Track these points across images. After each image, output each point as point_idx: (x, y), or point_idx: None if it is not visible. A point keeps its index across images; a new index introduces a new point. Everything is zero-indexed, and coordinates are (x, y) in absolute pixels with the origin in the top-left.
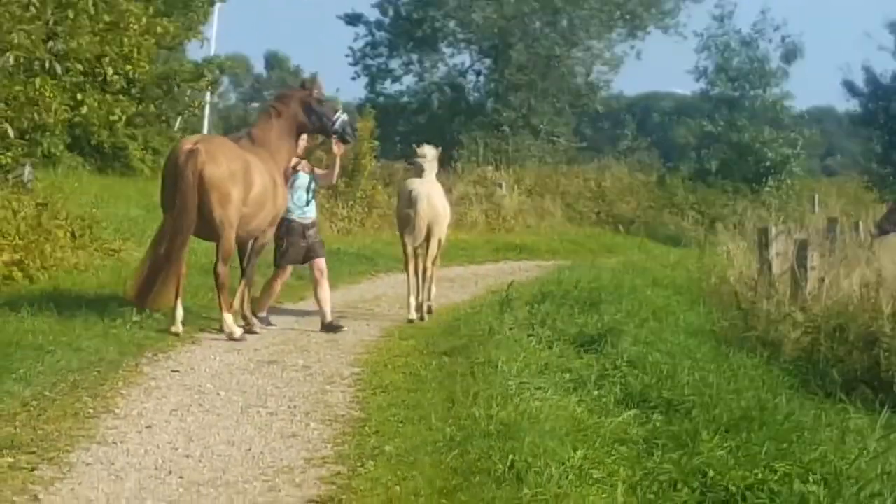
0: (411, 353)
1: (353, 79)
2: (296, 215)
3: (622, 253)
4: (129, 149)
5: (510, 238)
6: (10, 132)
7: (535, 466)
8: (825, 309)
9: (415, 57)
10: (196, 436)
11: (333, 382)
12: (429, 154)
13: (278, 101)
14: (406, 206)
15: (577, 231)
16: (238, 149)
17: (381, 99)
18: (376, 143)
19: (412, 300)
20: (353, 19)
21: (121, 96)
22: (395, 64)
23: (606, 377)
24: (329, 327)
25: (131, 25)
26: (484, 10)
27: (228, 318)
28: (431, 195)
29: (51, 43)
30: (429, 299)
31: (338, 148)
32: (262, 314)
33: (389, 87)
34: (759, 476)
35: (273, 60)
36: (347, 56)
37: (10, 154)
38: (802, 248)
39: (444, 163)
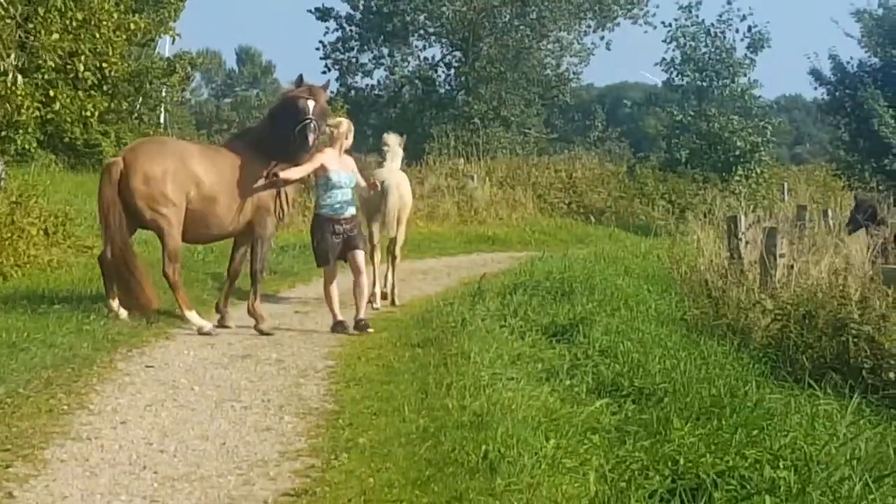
0: (384, 345)
1: (324, 72)
2: (323, 211)
3: (593, 243)
4: (102, 146)
5: (482, 230)
6: None
7: (508, 456)
8: (794, 296)
9: (385, 51)
10: (170, 431)
11: (307, 375)
12: (391, 142)
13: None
14: (377, 198)
15: (548, 222)
16: (175, 149)
17: (353, 93)
18: None
19: (377, 289)
20: (323, 14)
21: (93, 92)
22: (365, 58)
23: (578, 366)
24: (357, 325)
25: (103, 22)
26: (453, 3)
27: (192, 315)
28: (401, 185)
29: (20, 38)
30: (393, 288)
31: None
32: (340, 318)
33: (360, 80)
34: (730, 463)
35: (244, 55)
36: (318, 50)
37: None
38: (771, 235)
39: (417, 156)
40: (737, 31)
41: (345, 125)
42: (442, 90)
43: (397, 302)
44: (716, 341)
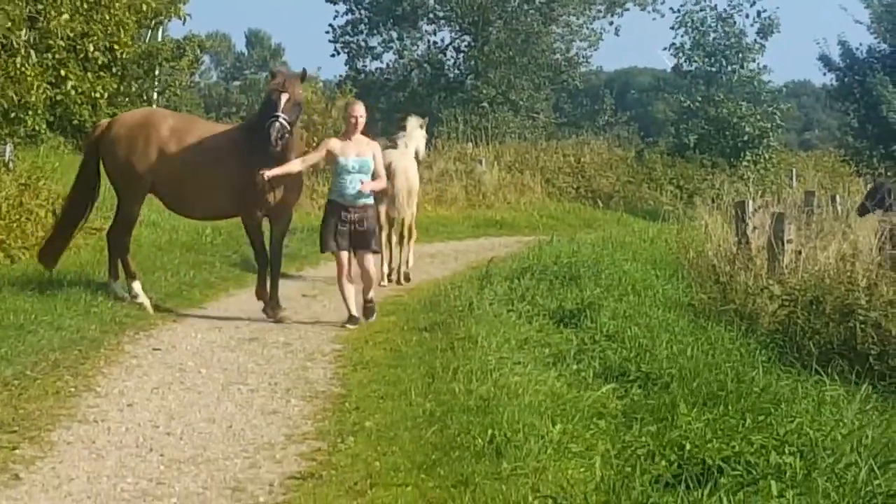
0: (391, 329)
1: (333, 56)
2: (332, 196)
3: (601, 228)
4: None
5: (490, 214)
6: None
7: (514, 441)
8: (802, 282)
9: (394, 34)
10: (177, 413)
11: (314, 359)
12: (409, 126)
13: None
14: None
15: (556, 206)
16: (155, 121)
17: (362, 76)
18: None
19: (385, 267)
20: None
21: (101, 74)
22: (375, 41)
23: (585, 351)
24: (365, 308)
25: (114, 2)
26: None
27: (113, 284)
28: (408, 169)
29: (30, 15)
30: (407, 267)
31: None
32: (353, 313)
33: (370, 64)
34: (736, 448)
35: (254, 38)
36: (328, 33)
37: None
38: (779, 221)
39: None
40: (746, 16)
41: (358, 108)
42: (451, 74)
43: (402, 282)
44: (723, 327)
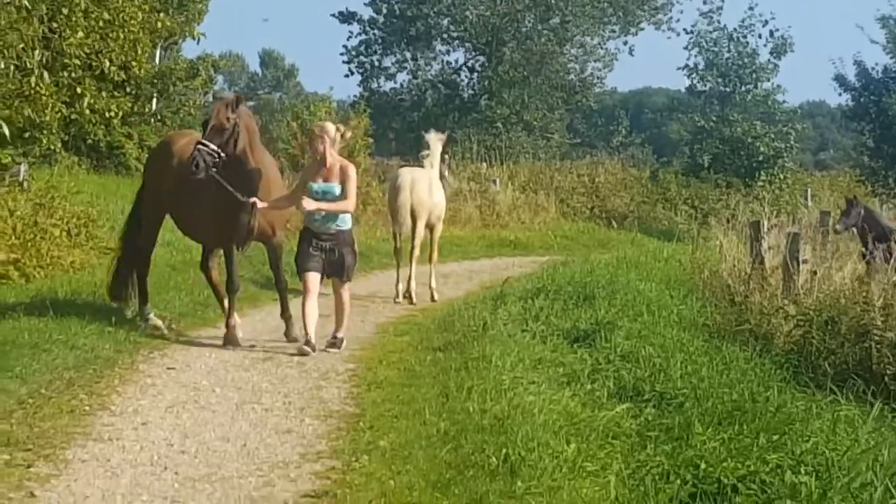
0: (406, 349)
1: (347, 76)
2: (305, 222)
3: (616, 248)
4: (125, 147)
5: (504, 234)
6: (6, 130)
7: (528, 460)
8: (817, 302)
9: (408, 54)
10: (191, 432)
11: (328, 378)
12: (431, 142)
13: None
14: (391, 195)
15: (570, 226)
16: (172, 142)
17: (375, 96)
18: (370, 140)
19: (399, 286)
20: (346, 17)
21: (116, 93)
22: (388, 61)
23: (599, 371)
24: (330, 343)
25: (129, 20)
26: (477, 7)
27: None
28: (416, 184)
29: (44, 35)
30: (430, 288)
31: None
32: (309, 338)
33: (384, 84)
34: (751, 468)
35: (267, 58)
36: (342, 54)
37: (7, 152)
38: (794, 241)
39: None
40: (759, 36)
41: (314, 135)
42: (465, 94)
43: (415, 300)
44: (738, 347)
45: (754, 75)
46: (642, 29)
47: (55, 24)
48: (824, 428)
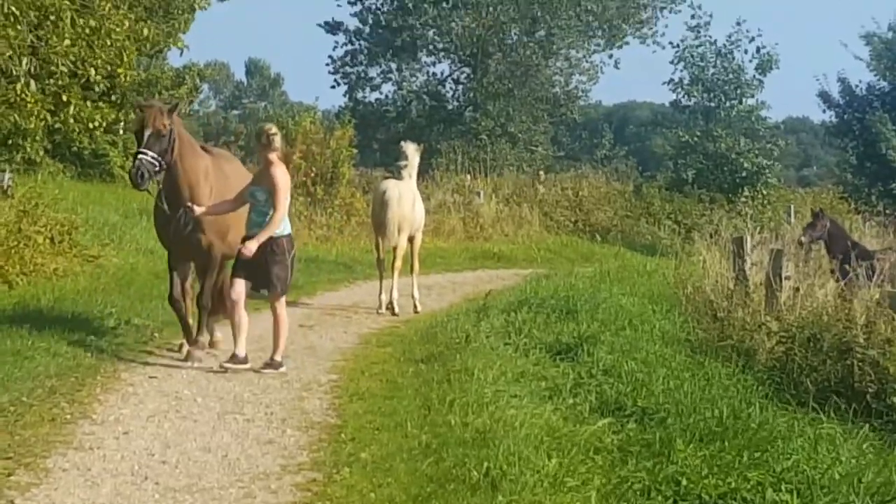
0: (388, 361)
1: (333, 87)
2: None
3: (599, 261)
4: (110, 155)
5: (488, 246)
6: None
7: (509, 474)
8: (799, 318)
9: (394, 65)
10: (173, 442)
11: (310, 389)
12: (409, 152)
13: None
14: (379, 209)
15: (554, 239)
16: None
17: (361, 107)
18: (355, 151)
19: (382, 296)
20: (332, 27)
21: (100, 103)
22: (374, 72)
23: (582, 385)
24: (266, 364)
25: (114, 29)
26: (462, 19)
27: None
28: (402, 197)
29: (32, 44)
30: (414, 298)
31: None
32: (238, 351)
33: (369, 95)
34: (733, 484)
35: (253, 68)
36: (328, 64)
37: None
38: (777, 257)
39: (424, 171)
40: (745, 51)
41: (265, 131)
42: (450, 106)
43: (398, 312)
44: (720, 362)
45: (739, 91)
46: (627, 43)
47: (42, 32)
48: (806, 446)
